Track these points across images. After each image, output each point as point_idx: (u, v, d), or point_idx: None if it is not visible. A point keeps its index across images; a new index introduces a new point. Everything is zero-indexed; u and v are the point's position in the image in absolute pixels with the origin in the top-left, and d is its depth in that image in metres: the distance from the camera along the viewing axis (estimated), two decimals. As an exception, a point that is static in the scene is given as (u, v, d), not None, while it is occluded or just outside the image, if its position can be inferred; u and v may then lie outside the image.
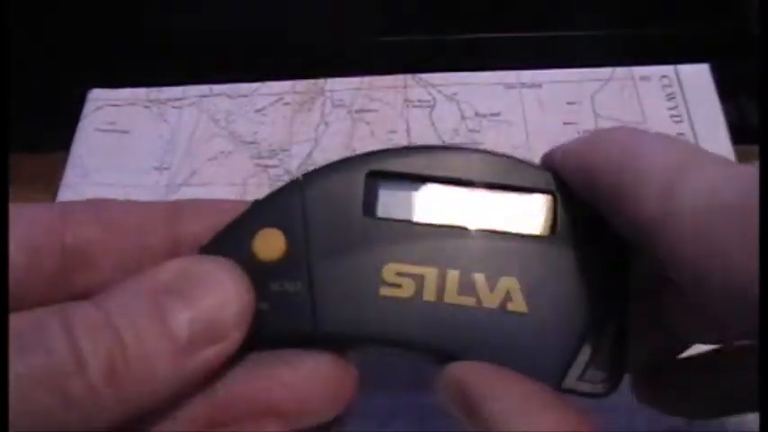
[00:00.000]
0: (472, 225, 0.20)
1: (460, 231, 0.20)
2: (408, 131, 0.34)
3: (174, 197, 0.33)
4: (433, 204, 0.20)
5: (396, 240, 0.19)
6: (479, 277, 0.19)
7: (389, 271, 0.19)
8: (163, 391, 0.16)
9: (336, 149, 0.34)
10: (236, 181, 0.33)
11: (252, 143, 0.34)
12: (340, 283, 0.19)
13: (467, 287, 0.19)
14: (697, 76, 0.35)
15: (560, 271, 0.20)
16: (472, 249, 0.20)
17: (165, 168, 0.34)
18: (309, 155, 0.34)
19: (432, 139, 0.34)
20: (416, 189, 0.20)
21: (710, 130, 0.33)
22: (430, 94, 0.35)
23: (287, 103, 0.36)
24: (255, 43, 0.41)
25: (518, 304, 0.19)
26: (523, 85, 0.36)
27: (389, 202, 0.20)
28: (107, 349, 0.15)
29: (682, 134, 0.33)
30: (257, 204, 0.20)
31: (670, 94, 0.35)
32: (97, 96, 0.36)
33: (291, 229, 0.19)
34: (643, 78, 0.35)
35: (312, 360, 0.18)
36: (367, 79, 0.36)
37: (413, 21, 0.42)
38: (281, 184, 0.33)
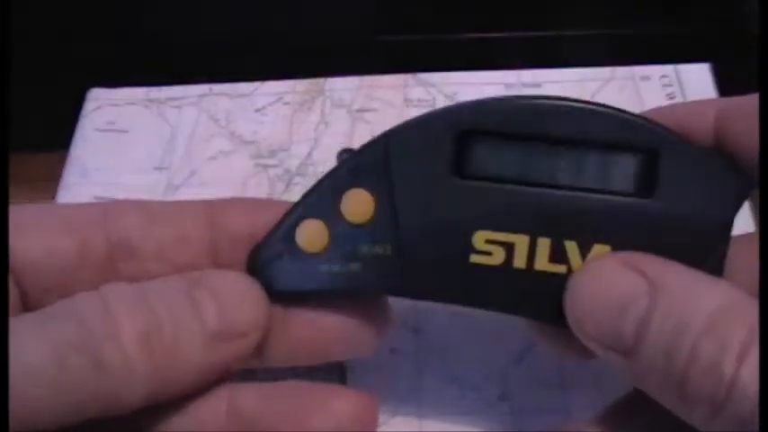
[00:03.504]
0: (567, 186, 0.19)
1: (554, 193, 0.19)
2: (408, 131, 0.34)
3: (173, 197, 0.33)
4: (525, 164, 0.19)
5: (486, 204, 0.19)
6: (571, 245, 0.19)
7: (480, 238, 0.19)
8: (192, 372, 0.17)
9: (336, 149, 0.34)
10: (235, 181, 0.33)
11: (252, 143, 0.34)
12: (429, 249, 0.19)
13: (558, 255, 0.19)
14: (697, 76, 0.35)
15: (658, 235, 0.18)
16: (566, 213, 0.19)
17: (165, 168, 0.34)
18: (309, 155, 0.34)
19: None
20: (509, 148, 0.19)
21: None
22: (430, 93, 0.35)
23: (287, 103, 0.36)
24: (255, 43, 0.41)
25: None
26: (524, 84, 0.35)
27: (480, 162, 0.19)
28: (142, 320, 0.16)
29: (682, 134, 0.33)
30: (345, 161, 0.19)
31: (670, 94, 0.35)
32: (97, 96, 0.36)
33: (379, 191, 0.19)
34: (643, 78, 0.35)
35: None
36: (367, 79, 0.36)
37: (413, 21, 0.42)
38: (280, 184, 0.33)
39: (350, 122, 0.35)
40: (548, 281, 0.19)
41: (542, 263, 0.19)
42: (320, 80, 0.36)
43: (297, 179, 0.33)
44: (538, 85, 0.35)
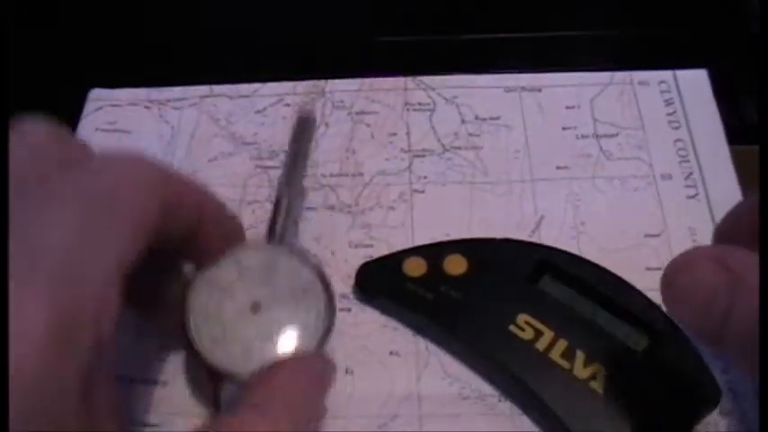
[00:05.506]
0: (595, 318, 0.27)
1: (586, 319, 0.27)
2: (408, 135, 0.34)
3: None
4: (575, 298, 0.27)
5: (536, 302, 0.27)
6: (580, 353, 0.26)
7: (522, 318, 0.27)
8: None
9: (336, 151, 0.34)
10: (236, 182, 0.33)
11: (252, 144, 0.34)
12: (487, 307, 0.27)
13: (568, 355, 0.26)
14: (695, 82, 0.35)
15: (645, 385, 0.25)
16: (587, 333, 0.26)
17: (166, 169, 0.34)
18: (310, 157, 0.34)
19: (432, 144, 0.34)
20: (568, 283, 0.28)
21: (708, 135, 0.33)
22: (430, 97, 0.36)
23: (287, 104, 0.36)
24: (255, 43, 0.41)
25: (599, 385, 0.25)
26: (523, 88, 0.36)
27: (548, 282, 0.28)
28: None
29: (680, 140, 0.34)
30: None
31: (668, 100, 0.35)
32: (98, 96, 0.36)
33: (475, 259, 0.28)
34: (642, 83, 0.36)
35: None
36: (367, 81, 0.36)
37: (413, 21, 0.42)
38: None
39: (350, 125, 0.35)
40: (553, 368, 0.26)
41: (556, 355, 0.26)
42: (320, 82, 0.36)
43: (297, 182, 0.33)
44: (537, 89, 0.35)
